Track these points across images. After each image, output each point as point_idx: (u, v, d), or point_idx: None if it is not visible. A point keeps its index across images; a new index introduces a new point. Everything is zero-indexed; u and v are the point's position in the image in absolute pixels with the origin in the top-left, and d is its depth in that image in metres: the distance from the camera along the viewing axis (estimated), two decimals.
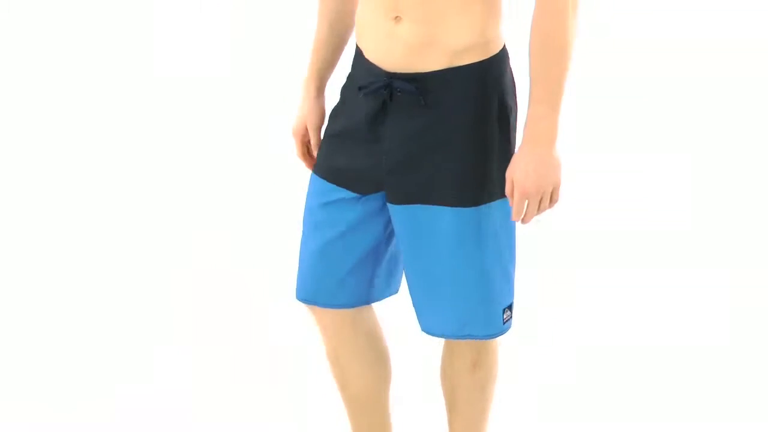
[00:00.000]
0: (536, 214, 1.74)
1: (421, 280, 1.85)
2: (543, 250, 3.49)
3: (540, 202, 1.72)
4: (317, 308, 1.97)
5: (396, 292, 2.05)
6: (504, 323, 1.88)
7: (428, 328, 1.90)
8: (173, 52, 5.03)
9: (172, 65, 4.96)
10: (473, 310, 1.85)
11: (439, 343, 2.23)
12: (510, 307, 1.89)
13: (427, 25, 1.72)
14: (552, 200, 1.73)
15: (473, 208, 1.78)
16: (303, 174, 2.14)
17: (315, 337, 2.56)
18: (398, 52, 1.75)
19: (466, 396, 2.03)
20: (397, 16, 1.73)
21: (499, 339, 1.99)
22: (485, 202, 1.79)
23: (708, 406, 2.68)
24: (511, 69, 1.82)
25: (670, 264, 3.47)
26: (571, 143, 3.96)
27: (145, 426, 2.59)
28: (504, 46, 1.80)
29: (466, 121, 1.76)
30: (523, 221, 1.74)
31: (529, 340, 2.94)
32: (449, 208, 1.78)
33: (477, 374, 2.00)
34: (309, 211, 1.92)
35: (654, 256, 3.53)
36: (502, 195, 1.79)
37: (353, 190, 1.85)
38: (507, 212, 1.82)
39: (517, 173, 1.70)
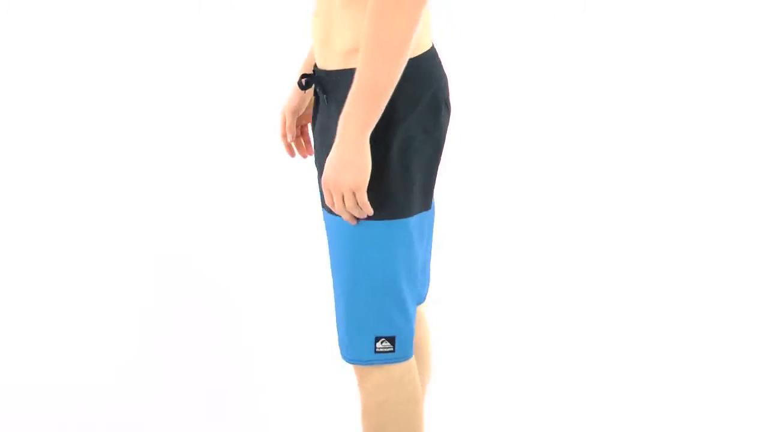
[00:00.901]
0: (345, 212, 1.67)
1: None
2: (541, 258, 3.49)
3: (344, 199, 1.65)
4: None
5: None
6: (376, 353, 1.77)
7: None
8: (173, 51, 5.03)
9: (172, 65, 4.96)
10: (341, 328, 1.78)
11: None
12: (391, 339, 1.78)
13: (325, 23, 1.71)
14: (359, 202, 1.65)
15: (336, 216, 1.71)
16: (301, 173, 2.14)
17: (316, 338, 2.55)
18: (314, 48, 1.76)
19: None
20: (315, 11, 1.75)
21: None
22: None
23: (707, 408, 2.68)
24: (424, 78, 1.72)
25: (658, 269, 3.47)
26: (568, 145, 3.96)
27: (144, 426, 2.59)
28: (422, 53, 1.72)
29: None
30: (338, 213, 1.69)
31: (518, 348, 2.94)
32: (325, 213, 1.75)
33: (361, 398, 1.87)
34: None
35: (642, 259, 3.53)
36: (376, 215, 1.69)
37: None
38: (387, 234, 1.71)
39: (326, 163, 1.65)
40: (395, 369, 1.79)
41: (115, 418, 2.63)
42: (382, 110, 1.61)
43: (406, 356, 1.78)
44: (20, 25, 4.34)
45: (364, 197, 1.64)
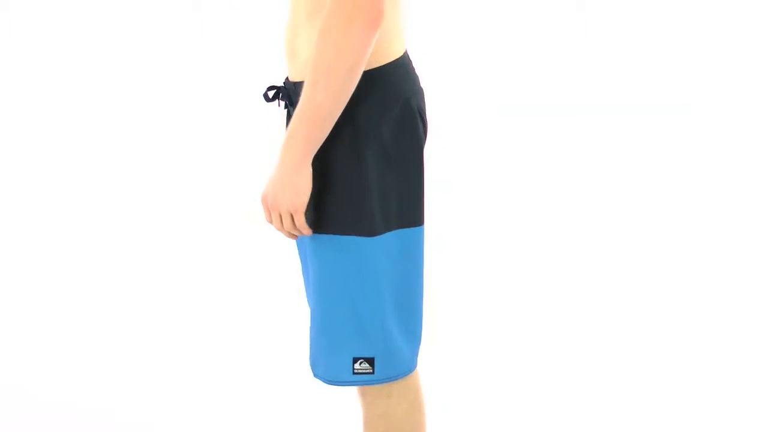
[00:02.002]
0: (282, 231, 1.62)
1: None
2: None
3: (281, 219, 1.60)
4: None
5: None
6: (354, 374, 1.68)
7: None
8: (172, 52, 5.03)
9: (170, 65, 4.96)
10: (314, 346, 1.71)
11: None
12: (370, 361, 1.69)
13: (292, 34, 1.68)
14: (297, 225, 1.60)
15: (317, 233, 1.66)
16: None
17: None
18: (285, 60, 1.71)
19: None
20: (286, 22, 1.71)
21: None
22: (318, 231, 1.65)
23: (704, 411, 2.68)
24: (392, 88, 1.64)
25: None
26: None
27: (144, 426, 2.59)
28: (381, 67, 1.64)
29: None
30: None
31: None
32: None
33: (362, 408, 1.80)
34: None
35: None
36: (344, 231, 1.63)
37: None
38: (361, 250, 1.63)
39: (267, 180, 1.61)
40: (397, 385, 1.73)
41: (114, 418, 2.64)
42: (327, 133, 1.56)
43: (389, 377, 1.69)
44: (20, 25, 4.34)
45: (301, 219, 1.60)
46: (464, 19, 4.79)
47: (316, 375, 1.71)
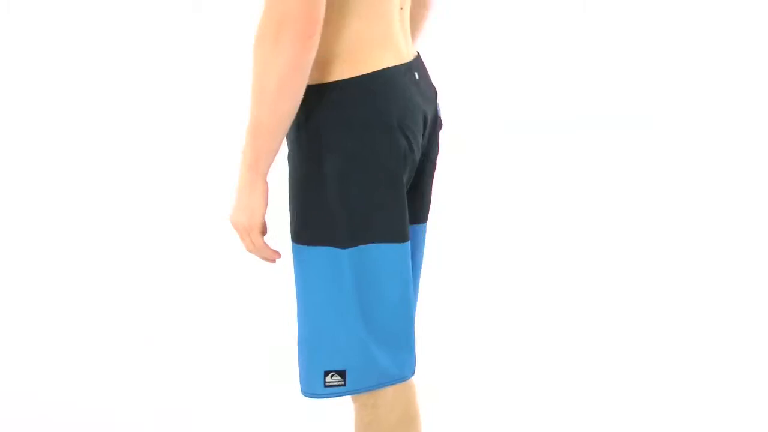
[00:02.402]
0: (252, 252, 1.63)
1: None
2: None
3: (243, 238, 1.61)
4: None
5: None
6: (326, 387, 1.68)
7: None
8: (172, 51, 5.03)
9: (170, 66, 4.96)
10: (299, 361, 1.72)
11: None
12: (341, 373, 1.68)
13: None
14: (255, 245, 1.61)
15: (292, 242, 1.68)
16: None
17: None
18: None
19: None
20: None
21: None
22: (293, 241, 1.67)
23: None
24: (360, 100, 1.60)
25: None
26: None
27: (143, 426, 2.59)
28: (352, 78, 1.60)
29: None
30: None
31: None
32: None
33: (354, 414, 1.82)
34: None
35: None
36: (313, 241, 1.63)
37: None
38: (329, 261, 1.63)
39: None
40: (373, 396, 1.72)
41: (114, 418, 2.63)
42: (274, 149, 1.54)
43: (362, 389, 1.68)
44: (20, 25, 4.34)
45: (258, 239, 1.59)
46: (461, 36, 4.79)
47: (301, 390, 1.72)
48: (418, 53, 1.77)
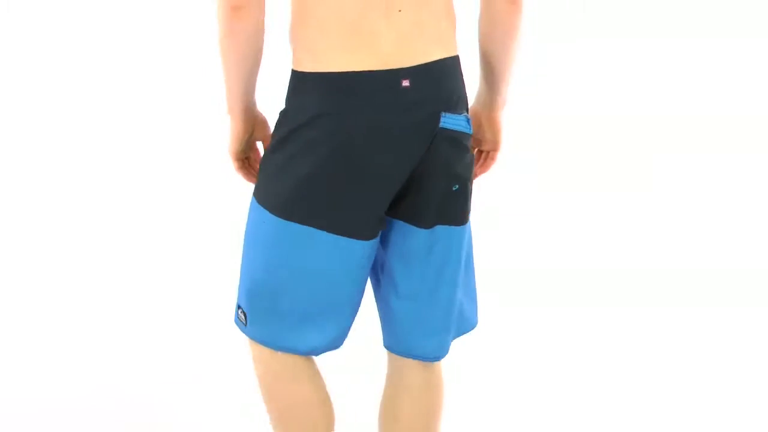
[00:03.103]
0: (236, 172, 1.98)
1: None
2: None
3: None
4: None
5: None
6: (237, 319, 1.92)
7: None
8: (171, 51, 5.03)
9: (170, 65, 4.96)
10: None
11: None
12: (245, 314, 1.89)
13: None
14: (234, 167, 1.96)
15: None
16: None
17: None
18: None
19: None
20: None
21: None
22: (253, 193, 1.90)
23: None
24: (307, 98, 1.74)
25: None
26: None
27: (142, 426, 2.59)
28: (305, 73, 1.73)
29: None
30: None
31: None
32: None
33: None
34: None
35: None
36: (259, 200, 1.83)
37: None
38: (258, 214, 1.83)
39: None
40: (257, 347, 1.89)
41: (115, 418, 2.63)
42: (236, 91, 1.78)
43: (254, 338, 1.86)
44: (20, 25, 4.35)
45: (234, 164, 1.89)
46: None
47: None
48: (446, 59, 1.75)
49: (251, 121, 1.86)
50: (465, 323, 1.96)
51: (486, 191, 3.59)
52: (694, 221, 3.82)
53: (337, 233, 1.75)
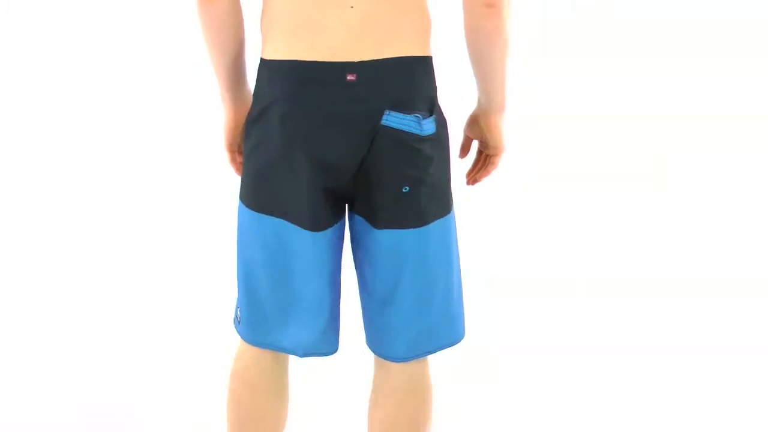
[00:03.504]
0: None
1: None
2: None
3: None
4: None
5: None
6: (235, 318, 1.95)
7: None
8: (171, 51, 5.02)
9: (170, 66, 4.95)
10: None
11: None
12: (240, 314, 1.92)
13: None
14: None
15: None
16: None
17: None
18: None
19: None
20: None
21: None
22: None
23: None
24: (263, 85, 1.80)
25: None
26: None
27: (141, 425, 2.59)
28: (270, 59, 1.79)
29: None
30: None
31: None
32: None
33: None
34: None
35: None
36: (240, 196, 1.86)
37: None
38: (246, 220, 1.86)
39: None
40: (241, 346, 1.93)
41: (113, 418, 2.63)
42: (221, 77, 1.85)
43: (245, 338, 1.90)
44: (20, 25, 4.34)
45: (228, 156, 1.93)
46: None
47: None
48: (402, 57, 1.74)
49: (242, 111, 1.88)
50: (441, 335, 1.90)
51: (496, 193, 3.60)
52: (706, 223, 3.82)
53: (291, 222, 1.79)
